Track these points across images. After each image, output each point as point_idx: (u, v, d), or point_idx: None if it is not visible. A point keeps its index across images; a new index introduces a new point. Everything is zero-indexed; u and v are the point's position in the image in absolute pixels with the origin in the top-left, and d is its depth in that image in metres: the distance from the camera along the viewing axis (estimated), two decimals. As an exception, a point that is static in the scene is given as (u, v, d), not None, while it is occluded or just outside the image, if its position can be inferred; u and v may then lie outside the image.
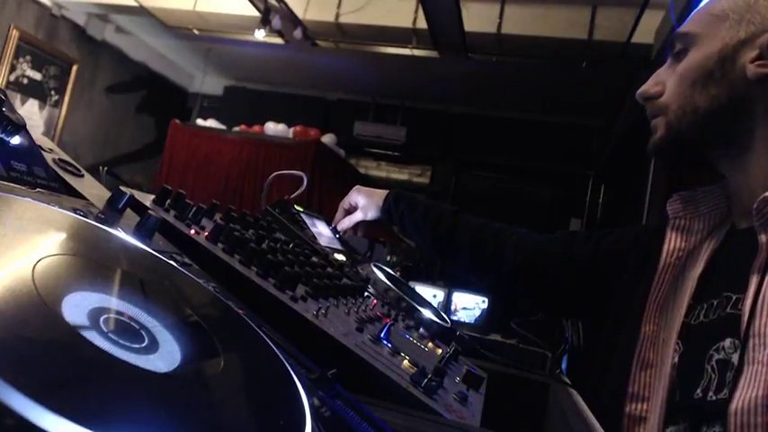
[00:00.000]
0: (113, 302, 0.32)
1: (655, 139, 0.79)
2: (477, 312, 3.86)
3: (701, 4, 0.79)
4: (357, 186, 1.31)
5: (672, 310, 0.75)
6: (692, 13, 0.79)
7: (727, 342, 0.64)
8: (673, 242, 0.78)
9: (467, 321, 3.83)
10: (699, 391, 0.65)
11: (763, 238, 0.64)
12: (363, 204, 1.28)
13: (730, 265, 0.71)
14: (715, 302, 0.69)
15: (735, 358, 0.63)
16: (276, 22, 4.54)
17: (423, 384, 0.68)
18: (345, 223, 1.30)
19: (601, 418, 0.76)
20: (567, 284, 1.01)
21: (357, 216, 1.28)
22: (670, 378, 0.69)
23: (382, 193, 1.27)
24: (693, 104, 0.74)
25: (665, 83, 0.79)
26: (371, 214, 1.27)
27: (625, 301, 0.85)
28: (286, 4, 4.46)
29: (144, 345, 0.30)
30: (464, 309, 3.88)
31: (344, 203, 1.31)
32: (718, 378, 0.63)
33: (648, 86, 0.81)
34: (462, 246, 1.13)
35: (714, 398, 0.63)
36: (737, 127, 0.72)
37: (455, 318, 3.78)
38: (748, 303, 0.62)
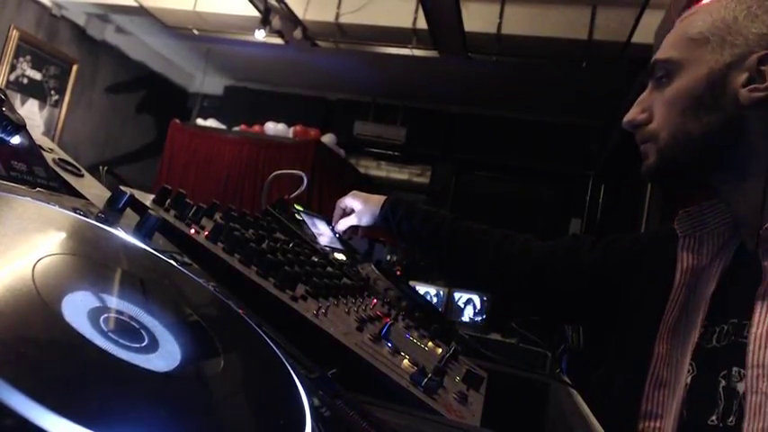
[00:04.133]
0: (113, 302, 0.32)
1: (647, 165, 0.79)
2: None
3: (675, 28, 0.77)
4: (354, 191, 1.32)
5: (685, 330, 0.75)
6: (667, 36, 0.77)
7: (734, 370, 0.65)
8: (685, 262, 0.78)
9: (467, 321, 3.83)
10: (714, 418, 0.65)
11: (766, 265, 0.65)
12: (359, 210, 1.28)
13: (739, 289, 0.71)
14: (725, 328, 0.69)
15: (740, 387, 0.64)
16: (276, 22, 4.54)
17: (423, 384, 0.68)
18: (341, 226, 1.31)
19: None
20: (575, 290, 1.01)
21: (351, 220, 1.29)
22: (682, 398, 0.70)
23: (379, 199, 1.27)
24: (686, 132, 0.73)
25: (650, 109, 0.78)
26: (366, 220, 1.28)
27: (635, 314, 0.85)
28: (286, 4, 4.46)
29: (144, 344, 0.30)
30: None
31: (341, 203, 1.31)
32: (724, 404, 0.64)
33: (634, 114, 0.80)
34: (464, 253, 1.12)
35: (721, 425, 0.64)
36: (733, 152, 0.71)
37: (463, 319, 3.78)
38: (752, 332, 0.63)
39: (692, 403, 0.69)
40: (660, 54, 0.77)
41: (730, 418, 0.63)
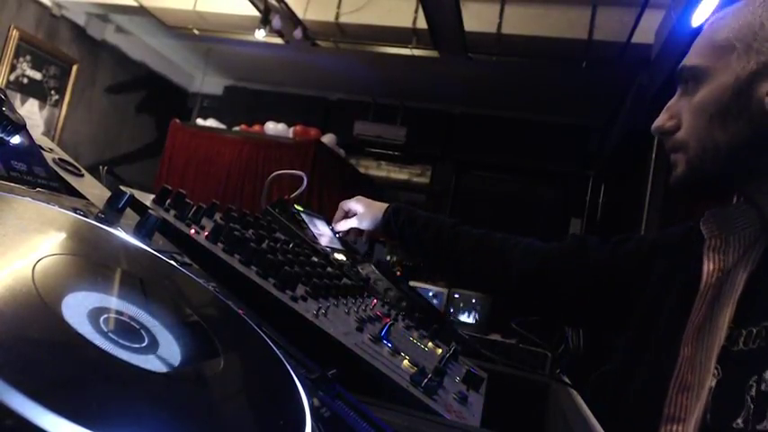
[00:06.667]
0: (113, 302, 0.32)
1: (677, 174, 0.78)
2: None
3: (702, 33, 0.77)
4: (359, 196, 1.34)
5: (710, 333, 0.73)
6: (695, 42, 0.77)
7: (767, 374, 0.63)
8: (711, 263, 0.76)
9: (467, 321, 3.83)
10: (740, 421, 0.64)
11: None
12: (361, 213, 1.31)
13: None
14: (755, 330, 0.68)
15: None
16: (276, 22, 4.53)
17: (423, 384, 0.68)
18: (340, 226, 1.33)
19: None
20: (579, 291, 0.99)
21: (352, 222, 1.30)
22: (705, 401, 0.69)
23: (381, 205, 1.29)
24: (714, 141, 0.72)
25: (679, 116, 0.77)
26: (366, 224, 1.30)
27: (652, 316, 0.83)
28: (286, 4, 4.46)
29: (144, 344, 0.30)
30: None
31: (345, 205, 1.33)
32: (755, 408, 0.63)
33: (663, 121, 0.79)
34: (466, 257, 1.12)
35: (749, 428, 0.62)
36: (761, 159, 0.70)
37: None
38: None
39: (716, 407, 0.67)
40: (687, 60, 0.77)
41: (763, 423, 0.61)
